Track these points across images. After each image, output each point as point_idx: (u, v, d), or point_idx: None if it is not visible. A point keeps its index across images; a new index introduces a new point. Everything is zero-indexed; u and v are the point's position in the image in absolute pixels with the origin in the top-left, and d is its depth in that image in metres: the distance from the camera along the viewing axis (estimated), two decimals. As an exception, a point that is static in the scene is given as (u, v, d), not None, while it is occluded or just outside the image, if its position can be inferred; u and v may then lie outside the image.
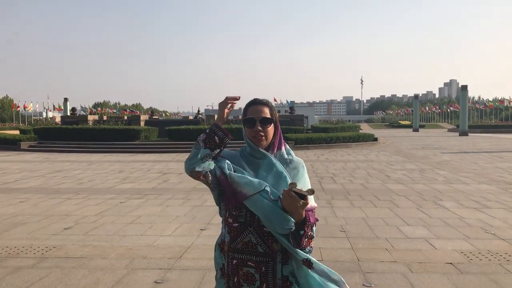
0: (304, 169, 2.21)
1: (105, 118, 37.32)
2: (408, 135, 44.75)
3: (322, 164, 16.87)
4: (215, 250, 2.22)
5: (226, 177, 2.06)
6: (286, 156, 2.18)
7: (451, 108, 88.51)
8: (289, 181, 2.05)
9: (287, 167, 2.14)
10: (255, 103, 2.17)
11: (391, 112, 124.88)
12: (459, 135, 43.11)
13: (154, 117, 40.85)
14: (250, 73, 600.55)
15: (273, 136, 2.17)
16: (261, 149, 2.12)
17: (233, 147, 2.22)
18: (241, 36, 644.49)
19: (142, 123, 31.26)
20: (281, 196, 1.96)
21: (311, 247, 2.05)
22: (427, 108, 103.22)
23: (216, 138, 2.06)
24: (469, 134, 44.44)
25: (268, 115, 2.14)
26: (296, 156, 2.23)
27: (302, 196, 1.88)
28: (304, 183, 2.14)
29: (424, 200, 9.26)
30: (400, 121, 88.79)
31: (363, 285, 4.53)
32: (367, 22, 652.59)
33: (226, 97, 2.14)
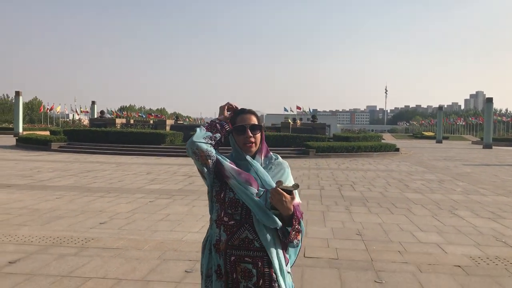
0: (289, 169, 2.36)
1: (132, 121, 38.29)
2: (431, 147, 44.57)
3: (343, 172, 17.22)
4: (206, 252, 2.30)
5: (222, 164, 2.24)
6: (272, 160, 2.34)
7: (476, 120, 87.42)
8: (272, 183, 2.19)
9: (273, 167, 2.30)
10: (244, 112, 2.33)
11: (415, 123, 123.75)
12: (483, 148, 42.76)
13: (179, 122, 41.80)
14: (273, 81, 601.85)
15: (260, 143, 2.32)
16: (248, 158, 2.27)
17: (225, 152, 2.40)
18: (265, 43, 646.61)
19: (167, 128, 32.06)
20: (269, 195, 2.11)
21: (298, 240, 2.19)
22: (451, 120, 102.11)
23: (218, 125, 2.26)
24: (493, 147, 44.01)
25: (257, 123, 2.30)
26: (281, 158, 2.39)
27: (289, 192, 2.05)
28: (290, 182, 2.28)
29: (440, 209, 9.57)
30: (423, 132, 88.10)
31: (375, 281, 4.95)
32: (393, 31, 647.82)
33: (228, 102, 2.34)
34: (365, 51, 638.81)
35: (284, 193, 2.02)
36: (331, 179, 14.86)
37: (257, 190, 2.18)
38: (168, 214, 8.41)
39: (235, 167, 2.24)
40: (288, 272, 2.25)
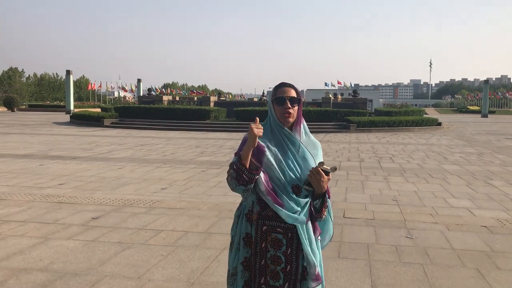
0: (321, 149, 2.50)
1: (177, 98, 39.62)
2: (475, 121, 43.81)
3: (383, 146, 17.70)
4: (238, 221, 2.43)
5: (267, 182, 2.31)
6: (305, 136, 2.42)
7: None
8: (312, 163, 2.34)
9: (308, 146, 2.40)
10: (284, 85, 2.40)
11: (460, 97, 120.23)
12: (531, 122, 41.68)
13: (221, 98, 42.83)
14: (314, 55, 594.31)
15: (297, 115, 2.39)
16: (292, 134, 2.36)
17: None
18: (307, 19, 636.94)
19: (211, 104, 33.12)
20: (308, 174, 2.27)
21: (326, 215, 2.39)
22: (500, 94, 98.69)
23: (245, 176, 2.23)
24: (542, 121, 42.76)
25: (296, 96, 2.38)
26: (313, 137, 2.50)
27: (327, 173, 2.23)
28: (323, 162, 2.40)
29: (475, 179, 10.05)
30: (468, 107, 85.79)
31: (406, 237, 5.65)
32: (437, 1, 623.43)
33: (252, 129, 2.20)
34: (408, 23, 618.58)
35: (323, 174, 2.21)
36: (371, 152, 15.41)
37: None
38: (219, 181, 9.31)
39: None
40: (318, 238, 2.41)
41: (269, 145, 2.32)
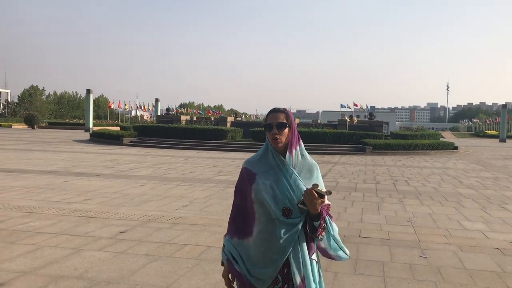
0: (319, 171, 2.52)
1: (195, 118, 40.27)
2: (492, 145, 43.54)
3: (399, 169, 17.86)
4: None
5: None
6: (300, 158, 2.49)
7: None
8: (304, 188, 2.36)
9: (304, 169, 2.47)
10: (273, 111, 2.52)
11: (478, 121, 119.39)
12: (550, 148, 41.29)
13: (237, 118, 43.35)
14: (331, 77, 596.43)
15: (289, 137, 2.47)
16: (284, 161, 2.44)
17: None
18: (322, 38, 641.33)
19: (228, 124, 33.65)
20: (303, 193, 2.32)
21: (323, 236, 2.40)
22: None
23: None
24: (561, 146, 42.33)
25: (284, 121, 2.46)
26: (310, 158, 2.54)
27: (321, 195, 2.27)
28: (320, 183, 2.44)
29: (490, 203, 10.19)
30: (486, 131, 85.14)
31: (420, 256, 5.87)
32: (455, 23, 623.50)
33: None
34: (426, 46, 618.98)
35: (316, 195, 2.25)
36: (386, 174, 15.59)
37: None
38: (239, 200, 9.59)
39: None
40: (315, 261, 2.44)
41: (261, 171, 2.43)
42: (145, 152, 23.40)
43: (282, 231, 2.32)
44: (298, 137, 2.53)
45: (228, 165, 17.48)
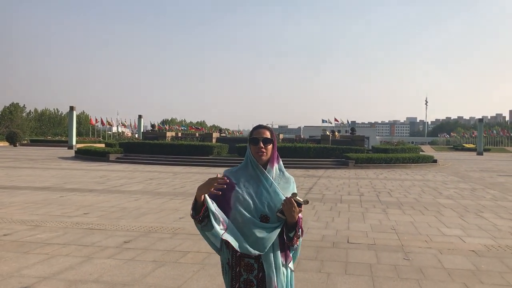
0: (294, 184, 2.71)
1: (180, 134, 40.66)
2: (470, 158, 44.82)
3: (381, 181, 18.54)
4: (222, 249, 2.63)
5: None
6: (279, 172, 2.68)
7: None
8: (283, 197, 2.53)
9: (282, 181, 2.65)
10: (260, 128, 2.69)
11: (456, 135, 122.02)
12: (525, 160, 42.71)
13: (222, 134, 43.90)
14: (310, 92, 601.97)
15: (271, 153, 2.66)
16: (264, 171, 2.61)
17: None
18: (302, 56, 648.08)
19: (214, 140, 34.14)
20: (282, 202, 2.48)
21: (298, 244, 2.61)
22: (495, 132, 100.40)
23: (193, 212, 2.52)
24: (535, 159, 43.77)
25: (269, 137, 2.65)
26: (288, 173, 2.72)
27: (299, 204, 2.40)
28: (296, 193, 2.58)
29: (467, 212, 10.86)
30: (464, 144, 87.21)
31: (403, 258, 6.44)
32: (433, 40, 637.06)
33: (209, 180, 2.44)
34: (405, 62, 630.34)
35: (295, 204, 2.39)
36: (369, 187, 16.24)
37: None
38: (232, 212, 10.09)
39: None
40: (290, 269, 2.62)
41: (242, 181, 2.59)
42: (133, 168, 23.72)
43: (258, 229, 2.46)
44: (278, 156, 2.73)
45: (217, 179, 17.92)
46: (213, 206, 2.47)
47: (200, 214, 2.44)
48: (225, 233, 2.43)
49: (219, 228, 2.43)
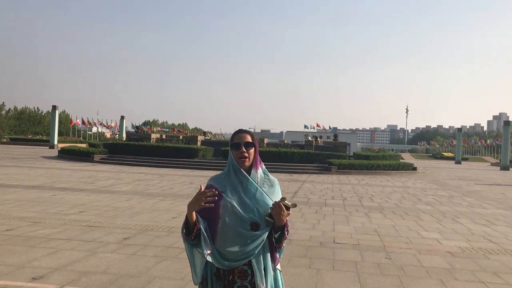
0: (279, 187, 2.71)
1: (164, 136, 40.88)
2: (448, 167, 46.00)
3: (363, 187, 19.17)
4: (206, 283, 2.55)
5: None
6: (263, 175, 2.66)
7: (497, 142, 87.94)
8: (270, 201, 2.53)
9: (266, 185, 2.63)
10: (241, 132, 2.67)
11: (436, 144, 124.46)
12: (500, 169, 44.03)
13: (206, 138, 44.25)
14: (292, 97, 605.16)
15: (253, 157, 2.63)
16: (249, 178, 2.57)
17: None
18: (284, 60, 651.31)
19: (199, 143, 34.49)
20: (271, 206, 2.48)
21: (284, 246, 2.64)
22: (473, 141, 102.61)
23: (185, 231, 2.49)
24: (511, 169, 45.18)
25: (250, 141, 2.62)
26: (271, 176, 2.71)
27: (287, 208, 2.43)
28: (279, 198, 2.57)
29: (444, 217, 11.49)
30: (443, 153, 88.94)
31: (385, 257, 6.97)
32: (415, 50, 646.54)
33: (198, 195, 2.39)
34: (386, 70, 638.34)
35: (284, 208, 2.42)
36: (352, 192, 16.84)
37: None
38: (222, 213, 10.53)
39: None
40: (279, 270, 2.64)
41: (228, 188, 2.55)
42: (118, 169, 23.94)
43: (250, 243, 2.47)
44: (260, 159, 2.70)
45: (204, 182, 18.19)
46: (203, 225, 2.49)
47: (193, 234, 2.44)
48: (209, 255, 2.43)
49: (205, 250, 2.43)
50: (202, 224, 2.48)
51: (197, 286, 2.60)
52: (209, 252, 2.43)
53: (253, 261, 2.49)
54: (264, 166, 2.72)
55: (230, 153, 2.65)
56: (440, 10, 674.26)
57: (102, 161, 29.13)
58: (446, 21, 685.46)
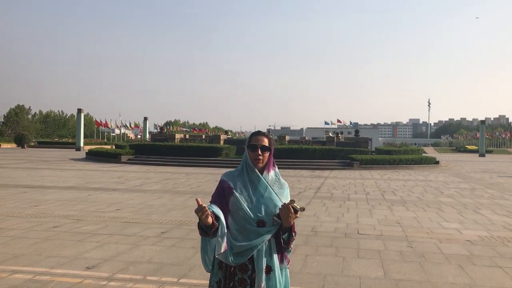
0: (288, 190, 2.83)
1: (187, 136, 41.73)
2: (472, 160, 45.72)
3: (385, 181, 19.49)
4: (213, 268, 2.72)
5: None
6: (275, 177, 2.78)
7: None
8: (279, 202, 2.65)
9: (276, 186, 2.76)
10: (258, 134, 2.78)
11: (459, 137, 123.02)
12: (525, 161, 43.59)
13: (228, 136, 44.99)
14: (314, 93, 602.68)
15: (268, 160, 2.77)
16: (261, 177, 2.71)
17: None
18: (301, 55, 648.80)
19: (222, 142, 35.17)
20: (279, 207, 2.57)
21: (292, 247, 2.73)
22: (497, 134, 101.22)
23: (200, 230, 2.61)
24: (536, 160, 44.63)
25: (267, 145, 2.74)
26: (282, 179, 2.83)
27: (296, 211, 2.48)
28: (288, 201, 2.67)
29: (466, 209, 11.80)
30: (466, 146, 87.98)
31: (407, 246, 7.40)
32: (436, 40, 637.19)
33: (197, 214, 2.53)
34: (407, 63, 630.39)
35: (292, 210, 2.49)
36: (374, 187, 17.20)
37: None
38: (250, 208, 11.07)
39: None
40: (287, 268, 2.77)
41: (239, 185, 2.69)
42: (145, 169, 24.71)
43: (255, 239, 2.58)
44: (274, 161, 2.84)
45: (229, 180, 18.91)
46: (222, 222, 2.58)
47: (211, 234, 2.55)
48: (221, 254, 2.55)
49: (219, 249, 2.55)
50: (221, 221, 2.57)
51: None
52: (222, 251, 2.55)
53: (256, 257, 2.59)
54: (277, 169, 2.85)
55: (245, 152, 2.79)
56: (464, 1, 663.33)
57: (129, 162, 29.99)
58: (466, 9, 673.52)
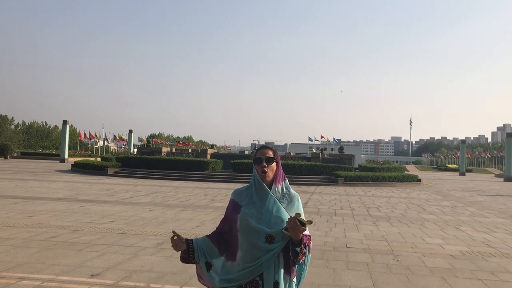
0: (300, 202, 2.77)
1: (173, 150, 41.91)
2: (453, 178, 46.69)
3: (369, 198, 19.99)
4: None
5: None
6: (285, 190, 2.76)
7: (501, 153, 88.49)
8: (287, 216, 2.60)
9: (285, 200, 2.72)
10: (263, 148, 2.81)
11: (440, 155, 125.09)
12: (504, 181, 44.65)
13: (215, 151, 45.27)
14: (298, 110, 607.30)
15: (275, 172, 2.76)
16: (269, 191, 2.68)
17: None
18: (286, 71, 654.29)
19: (209, 156, 35.46)
20: (286, 220, 2.54)
21: (303, 260, 2.60)
22: (477, 153, 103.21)
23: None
24: (514, 180, 45.75)
25: (272, 156, 2.75)
26: (293, 191, 2.80)
27: (303, 224, 2.45)
28: (301, 214, 2.57)
29: (447, 225, 12.30)
30: (447, 165, 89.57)
31: (393, 259, 7.81)
32: (418, 60, 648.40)
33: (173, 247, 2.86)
34: (389, 81, 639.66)
35: (298, 223, 2.44)
36: (359, 203, 17.67)
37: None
38: (241, 222, 11.40)
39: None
40: (294, 283, 2.72)
41: (247, 201, 2.72)
42: (133, 182, 24.85)
43: (264, 255, 2.58)
44: (284, 174, 2.82)
45: (218, 194, 19.23)
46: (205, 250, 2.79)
47: (193, 261, 2.83)
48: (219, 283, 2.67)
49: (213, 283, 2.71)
50: (202, 252, 2.79)
51: None
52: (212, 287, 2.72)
53: (265, 272, 2.58)
54: (287, 182, 2.82)
55: (254, 168, 2.78)
56: (443, 21, 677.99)
57: (116, 175, 30.05)
58: (449, 29, 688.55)
